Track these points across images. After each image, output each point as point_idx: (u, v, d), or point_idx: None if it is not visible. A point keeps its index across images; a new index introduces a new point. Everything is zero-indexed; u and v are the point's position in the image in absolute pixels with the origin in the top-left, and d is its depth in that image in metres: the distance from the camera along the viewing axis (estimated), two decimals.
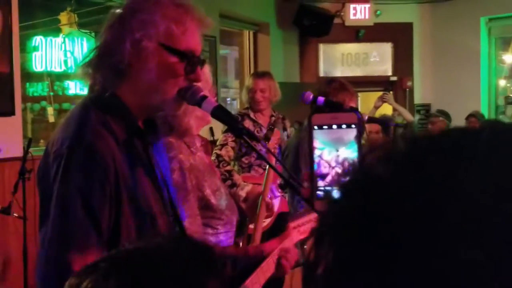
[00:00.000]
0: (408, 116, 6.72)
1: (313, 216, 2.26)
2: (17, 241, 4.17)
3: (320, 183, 0.87)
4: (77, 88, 5.55)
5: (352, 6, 8.34)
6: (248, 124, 4.52)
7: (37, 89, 5.87)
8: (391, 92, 6.99)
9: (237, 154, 4.36)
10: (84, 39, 5.30)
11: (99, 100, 1.50)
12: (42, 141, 6.01)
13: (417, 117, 7.15)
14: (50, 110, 5.86)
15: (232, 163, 4.41)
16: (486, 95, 8.34)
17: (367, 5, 8.35)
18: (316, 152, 0.85)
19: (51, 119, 6.02)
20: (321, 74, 8.74)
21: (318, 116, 0.85)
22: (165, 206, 1.56)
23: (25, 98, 5.23)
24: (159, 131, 1.66)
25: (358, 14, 8.37)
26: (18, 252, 4.13)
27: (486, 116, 7.30)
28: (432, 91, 8.48)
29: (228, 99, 8.18)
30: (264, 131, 4.55)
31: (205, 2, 6.32)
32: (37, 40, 5.11)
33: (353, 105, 3.18)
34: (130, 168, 1.46)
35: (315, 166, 0.87)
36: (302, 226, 2.23)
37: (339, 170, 0.84)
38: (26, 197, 4.12)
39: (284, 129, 4.71)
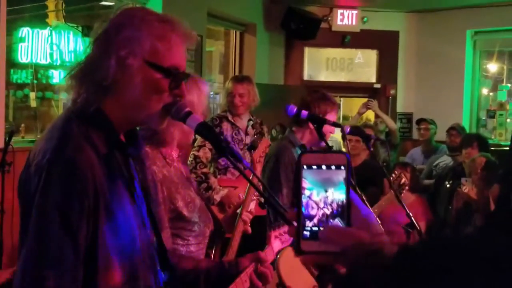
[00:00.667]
0: (391, 124, 6.79)
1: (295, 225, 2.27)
2: None
3: (308, 223, 0.88)
4: (61, 77, 5.51)
5: (339, 11, 8.37)
6: (226, 126, 4.53)
7: (21, 76, 5.84)
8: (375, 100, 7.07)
9: (214, 156, 4.36)
10: (71, 32, 5.25)
11: (83, 114, 1.49)
12: (22, 125, 5.95)
13: (399, 125, 7.23)
14: (32, 95, 5.82)
15: (209, 164, 4.41)
16: (468, 107, 8.43)
17: (355, 11, 8.40)
18: (305, 192, 0.87)
19: (33, 103, 5.98)
20: (305, 77, 8.77)
21: (308, 156, 0.87)
22: (143, 220, 1.56)
23: (9, 84, 5.17)
24: (140, 142, 1.65)
25: (345, 19, 8.41)
26: None
27: (467, 129, 7.38)
28: (415, 100, 8.56)
29: (212, 93, 8.16)
30: (242, 134, 4.56)
31: (193, 1, 6.32)
32: (24, 31, 5.06)
33: (334, 115, 3.22)
34: (110, 182, 1.46)
35: (303, 206, 0.88)
36: (284, 235, 2.24)
37: (327, 211, 0.86)
38: (5, 190, 4.08)
39: (262, 133, 4.72)
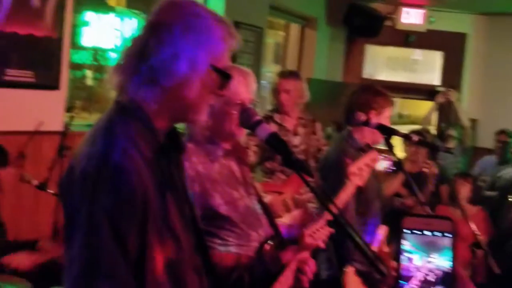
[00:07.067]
0: (464, 120, 6.59)
1: (326, 221, 2.19)
2: (48, 217, 4.15)
3: (405, 285, 0.86)
4: None
5: (405, 9, 8.12)
6: (272, 128, 4.34)
7: (81, 57, 5.92)
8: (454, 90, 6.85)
9: (261, 159, 4.23)
10: (134, 19, 5.27)
11: (128, 115, 1.44)
12: (78, 102, 6.04)
13: (461, 131, 7.01)
14: (89, 73, 5.90)
15: (255, 168, 4.28)
16: None
17: (422, 11, 8.13)
18: (405, 255, 0.81)
19: (89, 82, 6.07)
20: (365, 75, 8.58)
21: (410, 219, 0.81)
22: (187, 224, 1.52)
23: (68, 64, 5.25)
24: (182, 144, 1.60)
25: (411, 18, 8.16)
26: (47, 226, 4.12)
27: None
28: (479, 107, 8.23)
29: (264, 82, 8.12)
30: (290, 135, 4.34)
31: None
32: (88, 15, 5.09)
33: (390, 110, 3.04)
34: (155, 187, 1.41)
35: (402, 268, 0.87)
36: (317, 233, 2.19)
37: (429, 277, 0.80)
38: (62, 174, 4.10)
39: (314, 132, 4.52)
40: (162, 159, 1.46)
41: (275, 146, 1.58)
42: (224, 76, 1.50)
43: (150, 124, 1.45)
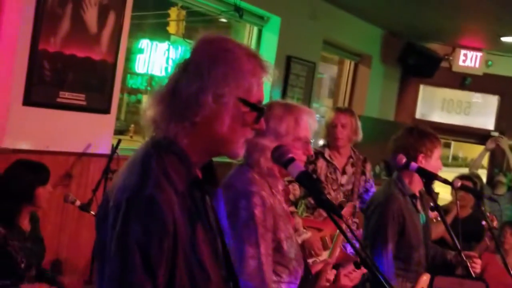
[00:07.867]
0: None
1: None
2: (89, 237, 4.23)
3: None
4: None
5: (463, 52, 8.01)
6: (321, 164, 4.27)
7: (136, 82, 6.09)
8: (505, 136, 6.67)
9: (305, 193, 4.18)
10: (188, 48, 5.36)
11: (163, 149, 1.46)
12: (132, 126, 6.16)
13: None
14: (145, 98, 6.05)
15: (299, 201, 4.24)
16: None
17: (479, 54, 7.99)
18: None
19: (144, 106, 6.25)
20: (418, 116, 8.45)
21: (442, 279, 0.77)
22: (218, 257, 1.50)
23: (124, 88, 5.38)
24: (217, 178, 1.60)
25: (468, 61, 8.03)
26: (88, 247, 4.19)
27: None
28: None
29: (318, 116, 8.11)
30: (338, 173, 4.28)
31: (311, 28, 6.23)
32: (144, 43, 5.23)
33: (440, 150, 2.94)
34: (187, 220, 1.42)
35: None
36: (353, 273, 2.16)
37: None
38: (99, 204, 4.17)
39: (363, 172, 4.43)
40: (196, 192, 1.47)
41: (306, 185, 1.58)
42: (256, 110, 1.49)
43: (186, 158, 1.46)
